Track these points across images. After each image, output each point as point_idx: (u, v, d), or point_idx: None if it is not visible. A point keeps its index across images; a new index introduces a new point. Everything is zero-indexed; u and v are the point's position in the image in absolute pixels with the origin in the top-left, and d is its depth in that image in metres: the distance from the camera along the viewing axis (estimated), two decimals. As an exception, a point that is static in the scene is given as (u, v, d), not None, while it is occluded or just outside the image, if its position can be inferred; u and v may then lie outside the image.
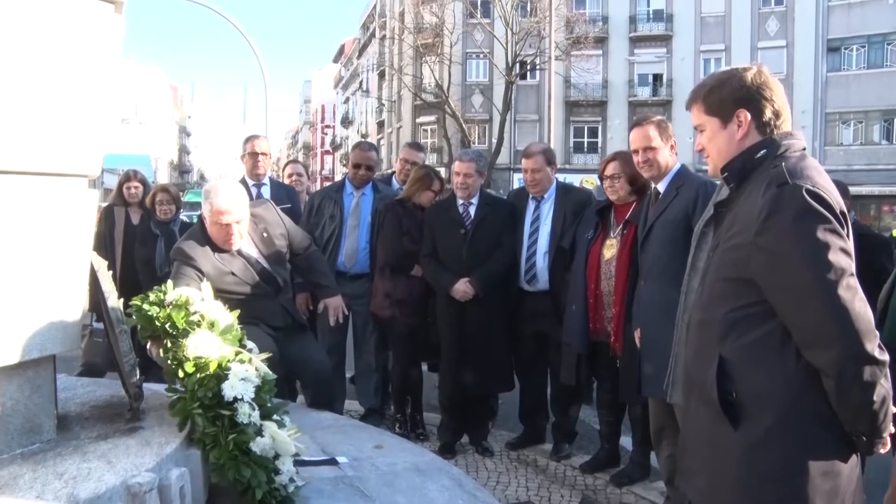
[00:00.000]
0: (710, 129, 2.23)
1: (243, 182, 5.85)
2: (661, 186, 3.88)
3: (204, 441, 2.45)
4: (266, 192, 5.67)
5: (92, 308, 2.67)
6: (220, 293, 3.58)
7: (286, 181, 6.36)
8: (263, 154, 5.81)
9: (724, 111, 2.18)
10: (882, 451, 1.98)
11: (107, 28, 2.44)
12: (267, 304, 4.15)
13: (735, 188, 2.17)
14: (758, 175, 2.08)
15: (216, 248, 3.95)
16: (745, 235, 2.00)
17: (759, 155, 2.11)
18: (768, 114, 2.13)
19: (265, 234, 4.19)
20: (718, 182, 3.29)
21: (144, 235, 6.28)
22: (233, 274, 3.99)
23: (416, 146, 6.51)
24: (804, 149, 2.12)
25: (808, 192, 1.90)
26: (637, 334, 3.90)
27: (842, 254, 1.88)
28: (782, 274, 1.91)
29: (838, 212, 1.92)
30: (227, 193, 3.92)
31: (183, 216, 6.82)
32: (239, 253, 4.04)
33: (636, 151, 3.92)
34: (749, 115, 2.14)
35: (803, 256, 1.87)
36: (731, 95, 2.17)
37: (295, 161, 8.50)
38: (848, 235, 1.94)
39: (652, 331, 3.70)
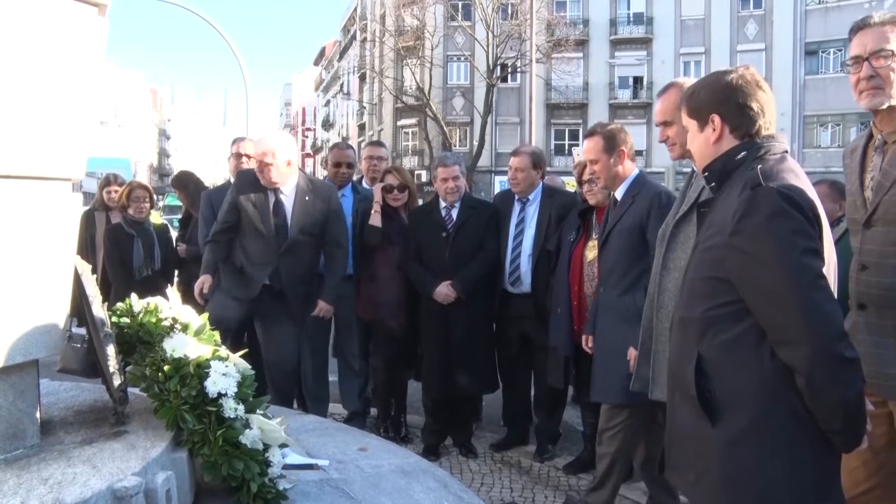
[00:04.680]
0: (691, 131, 2.29)
1: (228, 182, 5.88)
2: (619, 194, 3.93)
3: (192, 440, 2.44)
4: None
5: (73, 312, 2.63)
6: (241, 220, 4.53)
7: None
8: (248, 157, 5.83)
9: (700, 115, 2.23)
10: (861, 447, 2.01)
11: (91, 30, 2.43)
12: (266, 252, 4.55)
13: (716, 188, 2.21)
14: (737, 176, 2.11)
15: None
16: (721, 236, 2.04)
17: (739, 156, 2.15)
18: (743, 118, 2.16)
19: (307, 199, 4.60)
20: (683, 184, 3.35)
21: (117, 235, 6.06)
22: (253, 205, 4.52)
23: (376, 143, 6.62)
24: (785, 151, 2.15)
25: (780, 193, 1.94)
26: (587, 340, 3.99)
27: (812, 255, 1.92)
28: (755, 274, 1.95)
29: (810, 214, 1.96)
30: (261, 137, 4.59)
31: (163, 220, 6.76)
32: (275, 193, 4.55)
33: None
34: (721, 120, 2.18)
35: (775, 257, 1.91)
36: (707, 100, 2.21)
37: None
38: (821, 237, 1.97)
39: (608, 337, 3.77)
